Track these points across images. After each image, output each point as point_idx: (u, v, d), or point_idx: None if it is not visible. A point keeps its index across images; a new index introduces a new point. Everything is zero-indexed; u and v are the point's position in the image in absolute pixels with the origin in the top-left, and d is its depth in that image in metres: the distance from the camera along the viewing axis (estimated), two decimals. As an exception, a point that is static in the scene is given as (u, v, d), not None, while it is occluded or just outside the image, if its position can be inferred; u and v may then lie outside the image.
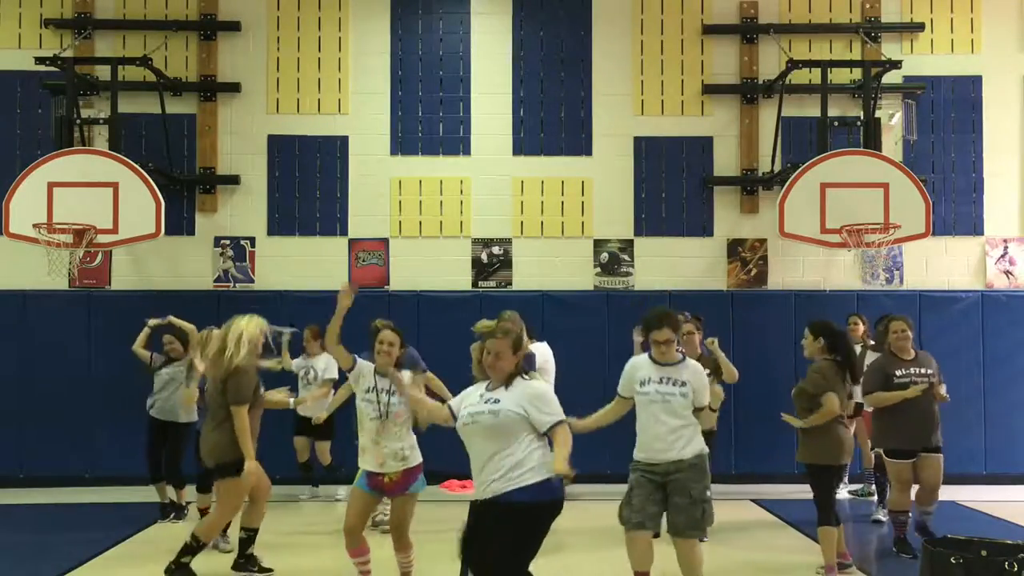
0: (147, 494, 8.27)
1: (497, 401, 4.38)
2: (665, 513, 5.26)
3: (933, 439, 6.87)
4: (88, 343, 9.97)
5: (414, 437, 5.65)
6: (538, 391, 4.46)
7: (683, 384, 5.26)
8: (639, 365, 5.42)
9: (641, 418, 5.34)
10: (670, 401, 5.24)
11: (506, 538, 4.22)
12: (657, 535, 5.36)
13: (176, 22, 10.37)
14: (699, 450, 5.27)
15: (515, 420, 4.33)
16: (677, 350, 5.47)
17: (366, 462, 5.55)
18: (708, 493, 5.24)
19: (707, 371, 6.73)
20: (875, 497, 8.37)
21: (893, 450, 6.95)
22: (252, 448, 5.99)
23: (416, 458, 5.62)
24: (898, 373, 6.87)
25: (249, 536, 6.38)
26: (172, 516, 8.01)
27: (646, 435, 5.31)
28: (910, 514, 7.01)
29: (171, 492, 8.10)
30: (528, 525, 4.26)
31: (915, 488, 6.99)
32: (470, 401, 4.50)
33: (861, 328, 8.99)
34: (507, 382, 4.45)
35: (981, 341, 10.23)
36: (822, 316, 9.16)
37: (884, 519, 7.95)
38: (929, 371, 6.88)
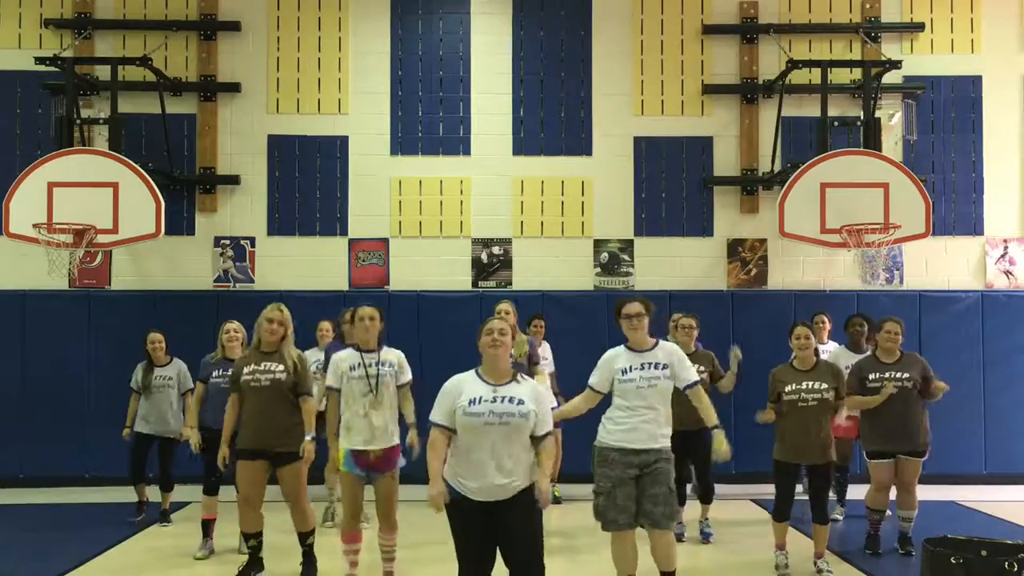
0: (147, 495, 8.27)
1: (522, 402, 4.30)
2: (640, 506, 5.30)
3: (914, 443, 6.78)
4: (88, 343, 9.96)
5: (397, 413, 5.76)
6: (544, 393, 4.51)
7: (664, 367, 5.32)
8: (616, 355, 5.42)
9: (629, 404, 5.31)
10: (656, 385, 5.28)
11: (537, 526, 4.34)
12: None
13: (176, 22, 10.37)
14: (668, 442, 5.39)
15: (532, 421, 4.33)
16: (654, 336, 5.51)
17: (352, 440, 5.61)
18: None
19: (701, 368, 6.77)
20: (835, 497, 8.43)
21: (870, 451, 6.96)
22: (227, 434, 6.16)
23: (397, 435, 5.72)
24: (871, 377, 6.81)
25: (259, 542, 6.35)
26: (144, 516, 8.06)
27: (632, 421, 5.28)
28: (887, 513, 7.05)
29: (149, 494, 8.18)
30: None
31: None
32: (475, 394, 4.32)
33: (827, 328, 8.94)
34: (511, 376, 4.42)
35: (981, 341, 10.24)
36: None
37: (840, 518, 8.03)
38: (907, 375, 6.74)
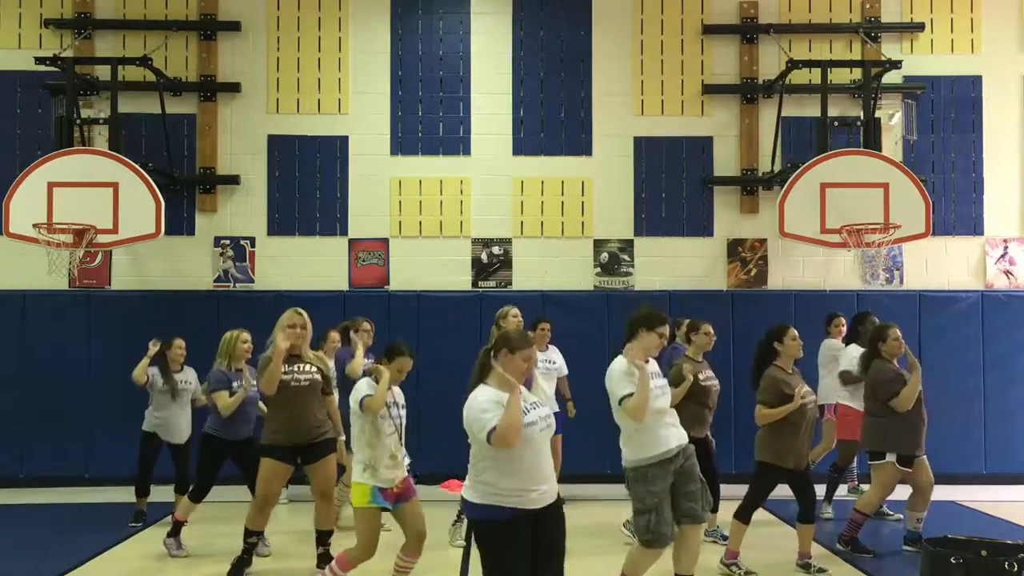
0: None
1: (544, 405, 4.46)
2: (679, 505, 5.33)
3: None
4: (88, 343, 9.96)
5: None
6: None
7: (663, 375, 5.52)
8: (628, 367, 5.25)
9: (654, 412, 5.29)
10: (668, 392, 5.47)
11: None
12: None
13: (176, 22, 10.37)
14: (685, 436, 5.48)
15: None
16: None
17: (379, 479, 5.38)
18: None
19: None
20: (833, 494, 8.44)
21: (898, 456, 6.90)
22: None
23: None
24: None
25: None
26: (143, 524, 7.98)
27: (658, 430, 5.23)
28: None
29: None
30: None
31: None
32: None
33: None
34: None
35: (981, 341, 10.23)
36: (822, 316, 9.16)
37: (832, 517, 8.06)
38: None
